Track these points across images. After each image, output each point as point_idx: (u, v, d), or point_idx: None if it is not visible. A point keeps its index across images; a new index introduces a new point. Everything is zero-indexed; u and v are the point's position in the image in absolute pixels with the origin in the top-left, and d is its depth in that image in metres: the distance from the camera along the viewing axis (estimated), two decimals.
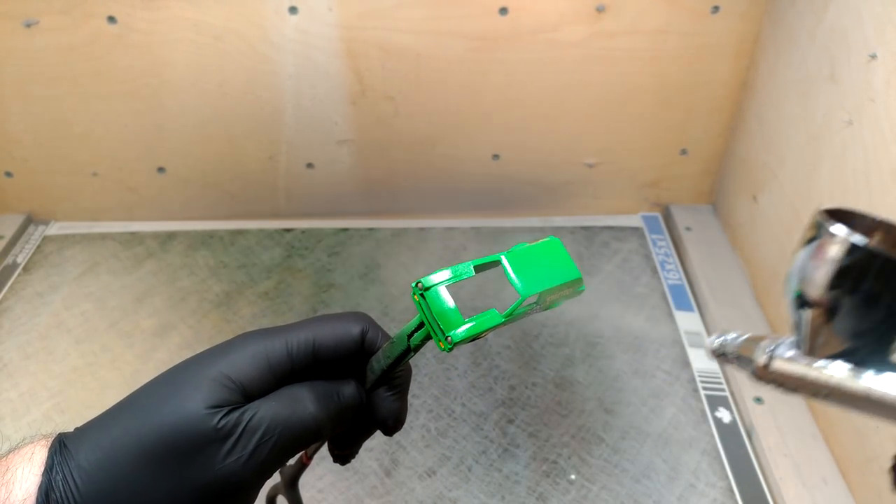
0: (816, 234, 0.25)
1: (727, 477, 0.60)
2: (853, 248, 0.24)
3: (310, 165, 0.86)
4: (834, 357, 0.26)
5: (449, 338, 0.29)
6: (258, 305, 0.77)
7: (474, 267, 0.31)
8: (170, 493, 0.28)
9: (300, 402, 0.31)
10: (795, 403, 0.65)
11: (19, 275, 0.81)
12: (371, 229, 0.87)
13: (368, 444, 0.37)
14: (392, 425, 0.35)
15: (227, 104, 0.80)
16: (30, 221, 0.88)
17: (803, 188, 0.66)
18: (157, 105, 0.80)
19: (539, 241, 0.31)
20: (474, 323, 0.29)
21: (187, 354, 0.31)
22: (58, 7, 0.73)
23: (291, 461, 0.40)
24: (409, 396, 0.36)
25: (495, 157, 0.85)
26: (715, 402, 0.67)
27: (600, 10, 0.74)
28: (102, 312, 0.76)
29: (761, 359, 0.28)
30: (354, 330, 0.33)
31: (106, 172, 0.85)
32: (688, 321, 0.75)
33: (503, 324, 0.30)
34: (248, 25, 0.75)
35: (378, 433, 0.36)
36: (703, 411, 0.66)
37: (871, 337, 0.25)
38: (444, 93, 0.80)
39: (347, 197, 0.89)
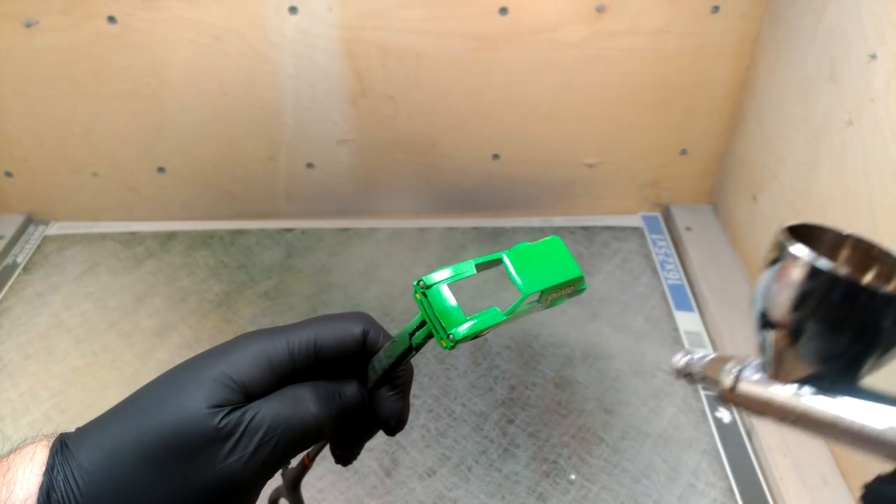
0: (779, 256, 0.25)
1: (727, 477, 0.60)
2: (815, 272, 0.23)
3: (310, 165, 0.86)
4: (801, 381, 0.25)
5: (451, 335, 0.29)
6: (258, 305, 0.77)
7: (476, 265, 0.31)
8: (171, 492, 0.28)
9: (302, 402, 0.31)
10: None
11: (19, 275, 0.81)
12: (371, 229, 0.87)
13: (368, 444, 0.37)
14: (394, 425, 0.35)
15: (226, 104, 0.80)
16: (30, 221, 0.88)
17: (803, 188, 0.67)
18: (157, 105, 0.80)
19: (540, 240, 0.31)
20: (476, 321, 0.29)
21: (187, 354, 0.31)
22: (58, 7, 0.73)
23: (293, 463, 0.40)
24: (410, 396, 0.36)
25: (495, 157, 0.85)
26: (715, 402, 0.67)
27: (600, 10, 0.74)
28: (102, 312, 0.76)
29: (727, 381, 0.27)
30: (356, 330, 0.33)
31: (106, 172, 0.85)
32: (688, 321, 0.75)
33: (505, 322, 0.30)
34: (248, 25, 0.75)
35: (379, 433, 0.36)
36: (703, 411, 0.66)
37: (840, 362, 0.24)
38: (444, 93, 0.80)
39: (347, 197, 0.89)
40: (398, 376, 0.34)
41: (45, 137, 0.82)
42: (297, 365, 0.32)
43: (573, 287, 0.31)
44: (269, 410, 0.30)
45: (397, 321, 0.75)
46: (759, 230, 0.76)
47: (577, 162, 0.86)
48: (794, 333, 0.24)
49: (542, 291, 0.29)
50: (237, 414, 0.29)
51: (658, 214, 0.90)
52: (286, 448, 0.30)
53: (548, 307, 0.31)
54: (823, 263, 0.23)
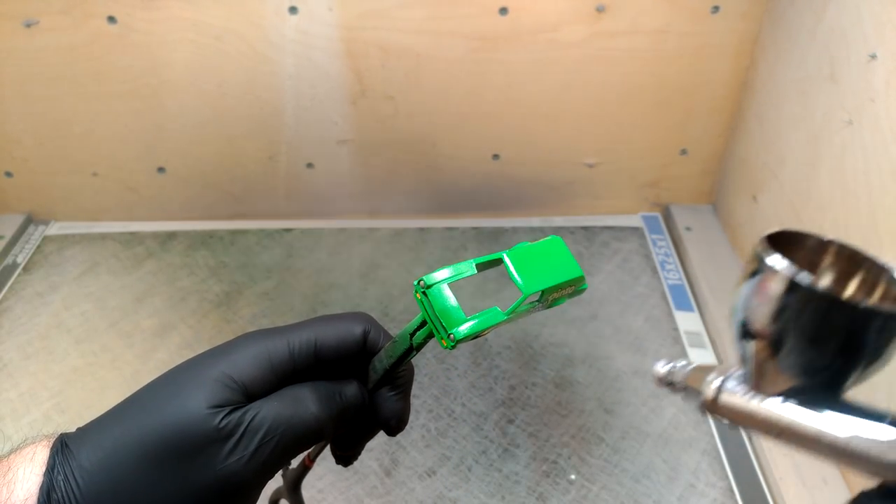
0: (758, 268, 0.24)
1: (727, 477, 0.60)
2: (794, 286, 0.23)
3: (310, 165, 0.86)
4: (784, 394, 0.25)
5: (451, 335, 0.29)
6: (258, 305, 0.77)
7: (476, 265, 0.31)
8: (171, 493, 0.28)
9: (302, 402, 0.31)
10: None
11: (19, 275, 0.81)
12: (371, 229, 0.87)
13: (368, 444, 0.37)
14: (395, 425, 0.35)
15: (226, 104, 0.80)
16: (30, 221, 0.88)
17: (803, 188, 0.67)
18: (157, 105, 0.80)
19: (541, 240, 0.31)
20: (477, 320, 0.29)
21: (187, 354, 0.31)
22: (58, 7, 0.73)
23: (294, 464, 0.40)
24: (410, 396, 0.36)
25: (495, 157, 0.85)
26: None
27: (600, 10, 0.74)
28: (102, 312, 0.76)
29: (709, 392, 0.27)
30: (356, 330, 0.33)
31: (106, 172, 0.85)
32: (688, 321, 0.75)
33: (505, 321, 0.30)
34: (247, 25, 0.75)
35: (380, 433, 0.36)
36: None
37: (823, 375, 0.24)
38: (444, 93, 0.80)
39: (347, 197, 0.89)
40: (399, 376, 0.34)
41: (45, 137, 0.82)
42: (297, 365, 0.32)
43: (574, 287, 0.31)
44: (269, 410, 0.30)
45: (397, 321, 0.75)
46: (759, 230, 0.76)
47: (577, 162, 0.86)
48: (775, 346, 0.24)
49: (543, 291, 0.29)
50: (238, 414, 0.29)
51: (658, 214, 0.90)
52: (287, 448, 0.30)
53: (548, 307, 0.30)
54: (803, 277, 0.22)
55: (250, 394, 0.30)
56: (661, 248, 0.85)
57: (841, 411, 0.23)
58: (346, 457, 0.37)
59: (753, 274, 0.24)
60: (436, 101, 0.81)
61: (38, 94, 0.79)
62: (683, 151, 0.85)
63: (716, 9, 0.74)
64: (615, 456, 0.62)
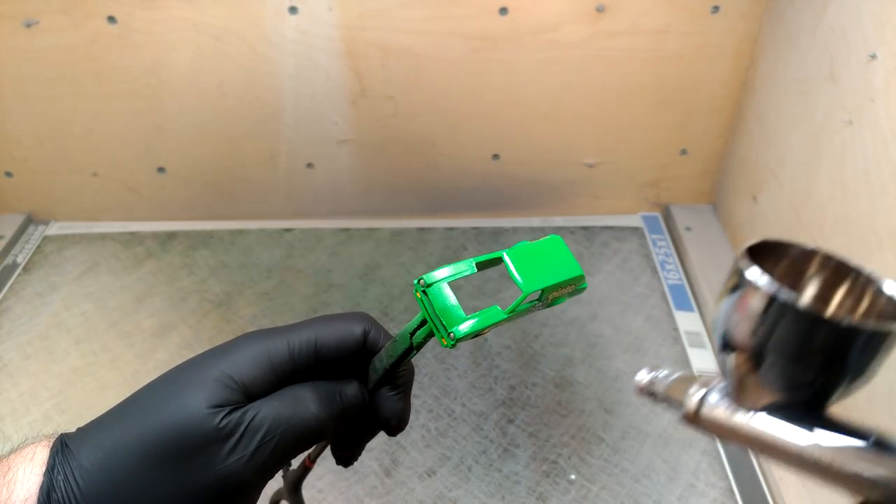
0: (738, 283, 0.23)
1: (727, 477, 0.60)
2: (775, 303, 0.22)
3: (310, 165, 0.86)
4: (767, 409, 0.24)
5: (451, 334, 0.29)
6: (258, 305, 0.77)
7: (476, 264, 0.31)
8: (171, 492, 0.28)
9: (302, 402, 0.31)
10: None
11: (19, 275, 0.81)
12: (371, 229, 0.87)
13: (368, 444, 0.37)
14: (396, 425, 0.35)
15: (226, 104, 0.80)
16: (30, 221, 0.88)
17: (803, 188, 0.67)
18: (157, 105, 0.80)
19: (541, 239, 0.31)
20: (477, 319, 0.29)
21: (187, 354, 0.31)
22: (58, 7, 0.73)
23: (294, 465, 0.40)
24: (411, 396, 0.36)
25: (495, 157, 0.85)
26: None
27: (600, 10, 0.75)
28: (102, 312, 0.76)
29: (691, 404, 0.26)
30: (356, 330, 0.33)
31: (106, 172, 0.85)
32: (688, 321, 0.75)
33: (505, 320, 0.30)
34: (247, 25, 0.75)
35: (380, 433, 0.36)
36: None
37: (806, 391, 0.23)
38: (444, 93, 0.80)
39: (347, 197, 0.89)
40: (399, 376, 0.34)
41: (45, 137, 0.82)
42: (297, 365, 0.32)
43: (574, 286, 0.31)
44: (269, 410, 0.30)
45: (397, 321, 0.75)
46: (759, 230, 0.76)
47: (577, 162, 0.86)
48: (756, 361, 0.23)
49: (543, 290, 0.29)
50: (237, 414, 0.29)
51: (658, 214, 0.90)
52: (287, 448, 0.30)
53: (548, 306, 0.30)
54: (784, 294, 0.22)
55: (250, 394, 0.30)
56: (661, 248, 0.85)
57: (824, 428, 0.23)
58: (346, 457, 0.37)
59: (734, 289, 0.23)
60: (436, 101, 0.81)
61: (38, 94, 0.79)
62: (683, 151, 0.85)
63: (716, 9, 0.74)
64: (615, 456, 0.62)
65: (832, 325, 0.21)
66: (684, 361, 0.70)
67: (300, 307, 0.77)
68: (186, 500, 0.28)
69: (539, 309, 0.30)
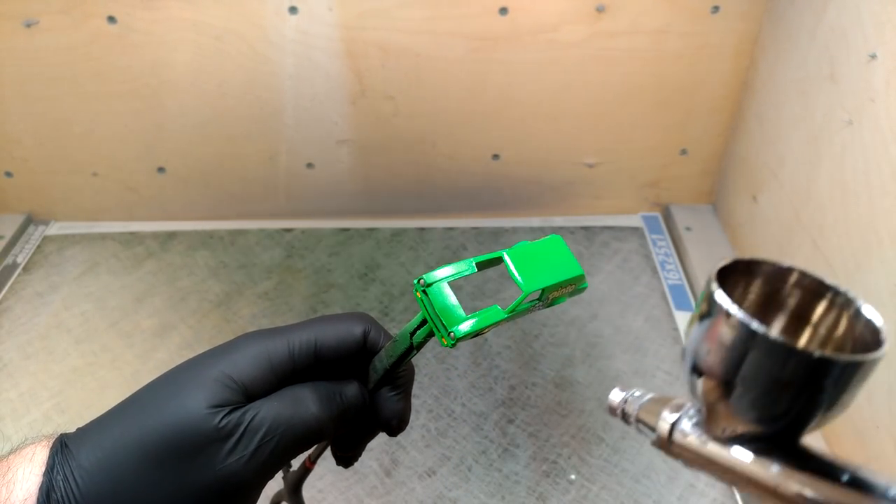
0: (708, 310, 0.22)
1: None
2: (744, 332, 0.21)
3: (310, 165, 0.86)
4: (740, 439, 0.23)
5: (451, 333, 0.29)
6: (258, 305, 0.77)
7: (476, 264, 0.31)
8: (171, 493, 0.28)
9: (302, 403, 0.31)
10: None
11: (19, 275, 0.81)
12: (371, 229, 0.87)
13: (368, 444, 0.37)
14: (396, 426, 0.35)
15: (227, 104, 0.80)
16: (30, 221, 0.88)
17: (803, 188, 0.67)
18: (157, 105, 0.80)
19: (541, 239, 0.31)
20: (477, 319, 0.29)
21: (187, 354, 0.31)
22: (58, 7, 0.73)
23: (295, 466, 0.40)
24: (411, 397, 0.36)
25: (495, 157, 0.85)
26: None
27: (600, 10, 0.74)
28: (102, 312, 0.76)
29: (662, 430, 0.25)
30: (356, 330, 0.33)
31: (106, 172, 0.85)
32: (688, 321, 0.75)
33: (505, 320, 0.30)
34: (248, 25, 0.75)
35: (380, 433, 0.36)
36: None
37: (779, 423, 0.22)
38: (444, 93, 0.80)
39: (347, 197, 0.89)
40: (399, 376, 0.34)
41: (45, 137, 0.82)
42: (297, 365, 0.32)
43: (574, 285, 0.31)
44: (269, 410, 0.30)
45: (397, 321, 0.75)
46: (759, 230, 0.76)
47: (577, 162, 0.86)
48: (726, 389, 0.22)
49: (543, 290, 0.29)
50: (237, 414, 0.29)
51: (658, 214, 0.90)
52: (287, 448, 0.30)
53: (549, 306, 0.30)
54: (754, 324, 0.21)
55: (250, 394, 0.30)
56: (661, 248, 0.85)
57: (798, 462, 0.22)
58: (346, 458, 0.37)
59: (704, 315, 0.23)
60: (436, 101, 0.81)
61: (38, 94, 0.79)
62: (683, 151, 0.85)
63: (716, 9, 0.74)
64: (615, 456, 0.62)
65: (804, 357, 0.21)
66: None
67: (300, 307, 0.77)
68: (186, 500, 0.28)
69: (539, 309, 0.30)
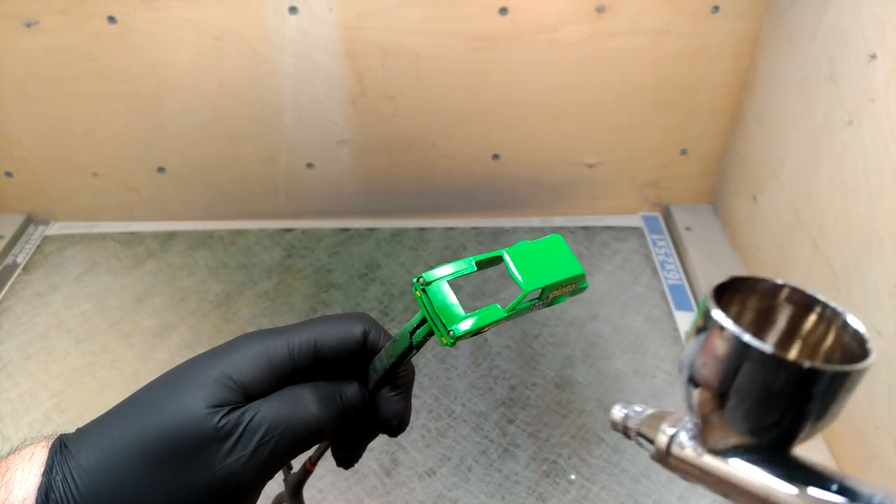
0: (705, 325, 0.24)
1: None
2: (739, 346, 0.22)
3: (310, 165, 0.86)
4: (734, 451, 0.24)
5: (451, 332, 0.29)
6: (258, 305, 0.77)
7: (476, 262, 0.31)
8: (170, 492, 0.28)
9: (302, 403, 0.31)
10: None
11: (19, 275, 0.81)
12: (371, 229, 0.87)
13: (368, 444, 0.37)
14: (396, 426, 0.34)
15: (227, 104, 0.80)
16: (30, 221, 0.88)
17: (803, 188, 0.66)
18: (157, 105, 0.80)
19: (541, 238, 0.31)
20: (477, 317, 0.29)
21: (187, 354, 0.31)
22: (58, 7, 0.73)
23: (295, 468, 0.40)
24: (411, 397, 0.36)
25: (495, 157, 0.85)
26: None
27: (600, 10, 0.74)
28: (102, 312, 0.76)
29: (662, 442, 0.26)
30: (356, 330, 0.33)
31: (106, 172, 0.85)
32: (688, 321, 0.75)
33: (505, 319, 0.30)
34: (248, 25, 0.75)
35: (381, 434, 0.36)
36: None
37: (772, 433, 0.23)
38: (444, 93, 0.80)
39: (347, 197, 0.89)
40: (399, 376, 0.34)
41: (45, 137, 0.82)
42: (297, 365, 0.32)
43: (574, 285, 0.31)
44: (268, 410, 0.30)
45: (397, 321, 0.75)
46: (759, 230, 0.76)
47: (577, 162, 0.86)
48: (720, 400, 0.24)
49: (543, 289, 0.29)
50: (237, 414, 0.29)
51: (658, 214, 0.90)
52: (286, 448, 0.30)
53: (549, 305, 0.30)
54: (747, 337, 0.22)
55: (250, 394, 0.30)
56: (661, 248, 0.85)
57: (790, 472, 0.23)
58: (347, 458, 0.37)
59: (701, 329, 0.24)
60: (436, 101, 0.81)
61: (38, 94, 0.79)
62: (683, 151, 0.85)
63: (716, 9, 0.74)
64: (615, 456, 0.62)
65: (794, 368, 0.22)
66: None
67: (300, 307, 0.77)
68: (186, 500, 0.28)
69: (539, 308, 0.30)
